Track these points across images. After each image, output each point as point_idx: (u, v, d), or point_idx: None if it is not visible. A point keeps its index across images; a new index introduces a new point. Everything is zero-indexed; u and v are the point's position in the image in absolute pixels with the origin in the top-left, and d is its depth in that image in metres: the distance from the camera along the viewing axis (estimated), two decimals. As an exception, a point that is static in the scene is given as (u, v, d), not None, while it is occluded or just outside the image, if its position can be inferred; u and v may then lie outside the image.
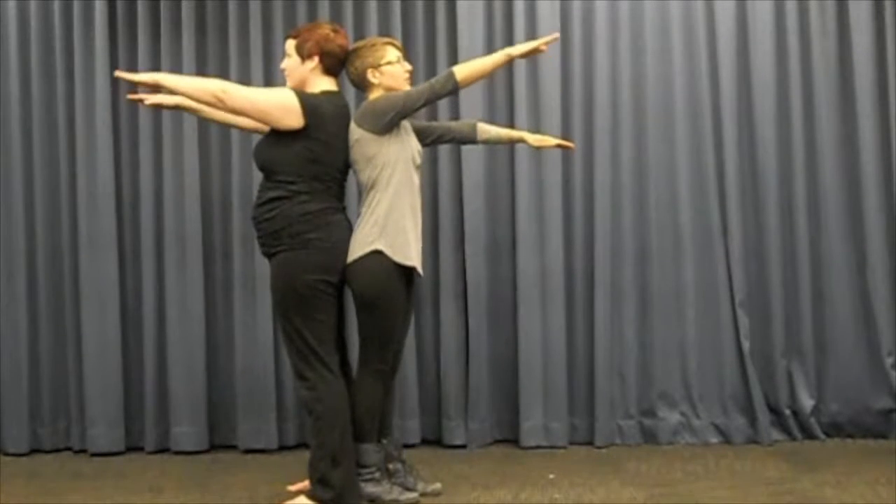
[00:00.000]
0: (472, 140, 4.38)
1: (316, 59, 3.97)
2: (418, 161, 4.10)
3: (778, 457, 4.72)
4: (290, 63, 4.04)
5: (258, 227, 3.97)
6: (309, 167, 3.90)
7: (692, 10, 5.08)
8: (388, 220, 3.95)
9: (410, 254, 3.99)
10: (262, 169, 3.99)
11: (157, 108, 4.36)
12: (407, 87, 4.07)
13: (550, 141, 4.46)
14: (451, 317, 5.05)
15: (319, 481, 3.88)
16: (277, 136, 3.93)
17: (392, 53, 4.08)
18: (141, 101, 4.25)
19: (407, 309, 4.13)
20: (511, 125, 4.98)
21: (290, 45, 4.05)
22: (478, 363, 5.02)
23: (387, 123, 3.96)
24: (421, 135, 4.24)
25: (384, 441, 4.09)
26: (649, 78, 5.08)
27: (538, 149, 4.61)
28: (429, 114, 5.06)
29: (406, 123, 4.10)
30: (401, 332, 4.12)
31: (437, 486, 4.18)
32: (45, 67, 5.12)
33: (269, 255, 3.97)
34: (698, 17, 5.08)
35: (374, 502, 3.99)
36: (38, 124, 5.11)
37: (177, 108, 4.31)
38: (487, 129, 4.37)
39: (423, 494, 4.09)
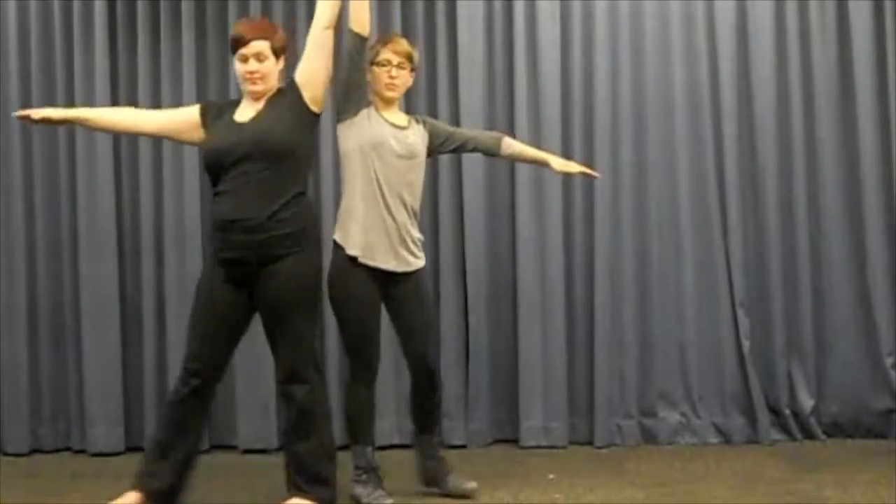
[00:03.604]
0: (495, 153, 4.24)
1: (283, 57, 3.90)
2: (393, 147, 3.95)
3: (778, 457, 4.72)
4: (270, 65, 3.83)
5: (263, 226, 3.71)
6: (310, 159, 3.89)
7: (692, 10, 5.08)
8: (342, 209, 3.99)
9: (355, 243, 3.92)
10: (274, 154, 3.74)
11: (46, 122, 3.93)
12: (386, 94, 4.01)
13: (575, 168, 4.29)
14: (451, 317, 5.04)
15: (318, 481, 3.84)
16: (291, 120, 3.82)
17: (382, 54, 4.03)
18: (28, 117, 3.89)
19: (373, 312, 3.98)
20: (511, 125, 4.99)
21: (265, 46, 3.81)
22: (478, 363, 5.02)
23: (344, 97, 3.96)
24: (445, 140, 4.15)
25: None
26: (649, 78, 5.08)
27: (563, 174, 4.46)
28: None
29: (371, 113, 4.00)
30: (373, 337, 3.98)
31: (472, 485, 4.10)
32: (45, 67, 5.12)
33: (272, 258, 3.75)
34: (698, 17, 5.08)
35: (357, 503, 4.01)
36: (37, 126, 5.09)
37: (65, 123, 4.02)
38: (512, 145, 4.24)
39: (453, 492, 4.08)
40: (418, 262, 4.05)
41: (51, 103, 5.09)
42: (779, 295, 5.05)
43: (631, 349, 5.07)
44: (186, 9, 5.07)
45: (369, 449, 4.08)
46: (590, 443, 5.03)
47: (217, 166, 3.77)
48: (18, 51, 5.11)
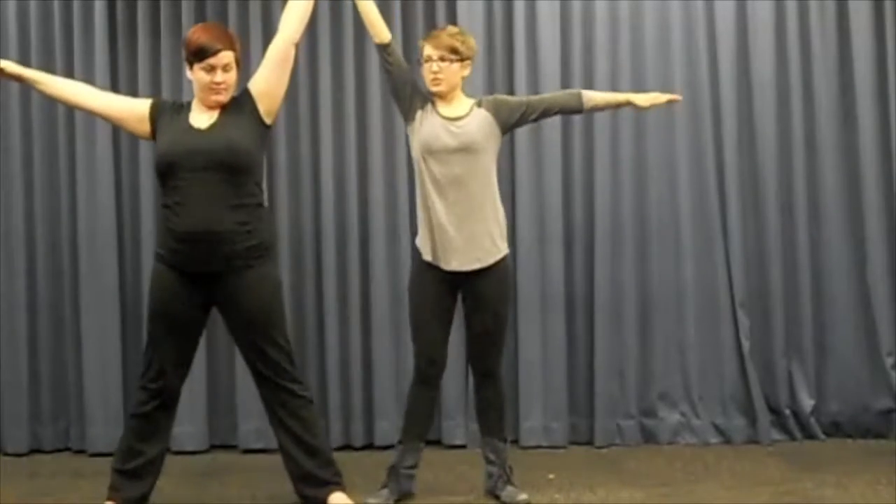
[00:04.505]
0: (578, 110, 4.15)
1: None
2: (445, 141, 3.92)
3: (778, 457, 4.73)
4: (234, 75, 3.80)
5: (230, 238, 3.69)
6: (262, 171, 3.91)
7: (692, 10, 5.08)
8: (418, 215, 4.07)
9: (425, 248, 3.98)
10: (238, 165, 3.71)
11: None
12: (432, 90, 3.99)
13: (661, 98, 4.19)
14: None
15: (338, 473, 3.91)
16: (250, 130, 3.79)
17: (424, 51, 4.00)
18: None
19: (432, 320, 4.00)
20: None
21: (232, 57, 3.77)
22: (478, 363, 5.02)
23: (398, 106, 4.06)
24: (523, 113, 4.04)
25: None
26: (649, 78, 5.08)
27: (647, 108, 4.27)
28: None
29: (427, 111, 3.99)
30: (428, 334, 4.00)
31: (523, 497, 4.03)
32: (45, 67, 5.09)
33: (239, 269, 3.74)
34: (698, 17, 5.08)
35: None
36: (37, 124, 5.11)
37: (18, 80, 3.95)
38: (592, 98, 4.11)
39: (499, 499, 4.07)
40: (490, 257, 3.97)
41: (51, 103, 5.08)
42: (779, 295, 5.05)
43: (631, 349, 5.07)
44: (186, 9, 5.06)
45: (400, 447, 4.09)
46: (590, 443, 5.03)
47: (172, 171, 3.71)
48: (18, 51, 5.10)
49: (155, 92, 5.05)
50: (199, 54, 3.74)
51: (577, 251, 5.09)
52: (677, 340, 5.06)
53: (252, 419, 5.01)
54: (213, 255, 3.71)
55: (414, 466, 4.09)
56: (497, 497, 4.07)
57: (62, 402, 5.14)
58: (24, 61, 5.08)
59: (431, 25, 5.10)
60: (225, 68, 3.75)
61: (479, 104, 4.04)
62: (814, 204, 5.10)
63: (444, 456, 4.87)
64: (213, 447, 5.09)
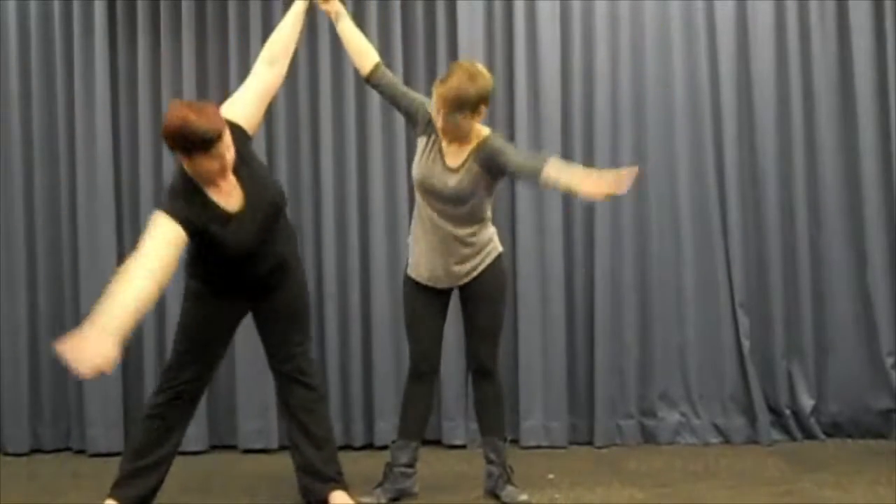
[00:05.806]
0: (535, 183, 3.88)
1: None
2: (436, 188, 3.87)
3: (778, 457, 4.72)
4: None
5: (287, 262, 3.86)
6: None
7: (692, 10, 5.08)
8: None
9: (417, 269, 4.01)
10: (281, 212, 3.81)
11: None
12: (442, 137, 3.87)
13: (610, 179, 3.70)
14: (451, 317, 5.03)
15: (341, 472, 3.94)
16: (264, 169, 3.91)
17: (434, 95, 3.81)
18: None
19: (423, 318, 4.05)
20: (511, 125, 5.01)
21: (228, 132, 3.50)
22: (478, 363, 5.02)
23: (409, 122, 4.07)
24: (500, 173, 3.90)
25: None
26: (649, 78, 5.08)
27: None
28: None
29: (431, 143, 3.90)
30: (422, 332, 4.05)
31: (524, 497, 4.05)
32: (45, 67, 5.12)
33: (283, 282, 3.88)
34: (698, 17, 5.08)
35: None
36: (38, 124, 5.11)
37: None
38: (547, 180, 3.72)
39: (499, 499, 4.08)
40: (483, 264, 3.98)
41: (51, 103, 5.11)
42: (779, 295, 5.05)
43: (631, 349, 5.06)
44: (186, 9, 5.06)
45: (394, 445, 4.13)
46: (590, 443, 5.03)
47: (244, 259, 3.67)
48: (18, 51, 5.10)
49: (155, 92, 5.06)
50: (205, 145, 3.40)
51: (577, 251, 5.09)
52: (677, 340, 5.06)
53: (252, 419, 5.02)
54: (276, 279, 3.82)
55: (410, 465, 4.10)
56: (497, 497, 4.08)
57: (62, 403, 5.14)
58: (24, 61, 5.12)
59: (432, 25, 5.11)
60: (229, 147, 3.48)
61: (475, 155, 3.85)
62: (814, 204, 5.10)
63: (444, 456, 4.87)
64: (213, 447, 5.09)
